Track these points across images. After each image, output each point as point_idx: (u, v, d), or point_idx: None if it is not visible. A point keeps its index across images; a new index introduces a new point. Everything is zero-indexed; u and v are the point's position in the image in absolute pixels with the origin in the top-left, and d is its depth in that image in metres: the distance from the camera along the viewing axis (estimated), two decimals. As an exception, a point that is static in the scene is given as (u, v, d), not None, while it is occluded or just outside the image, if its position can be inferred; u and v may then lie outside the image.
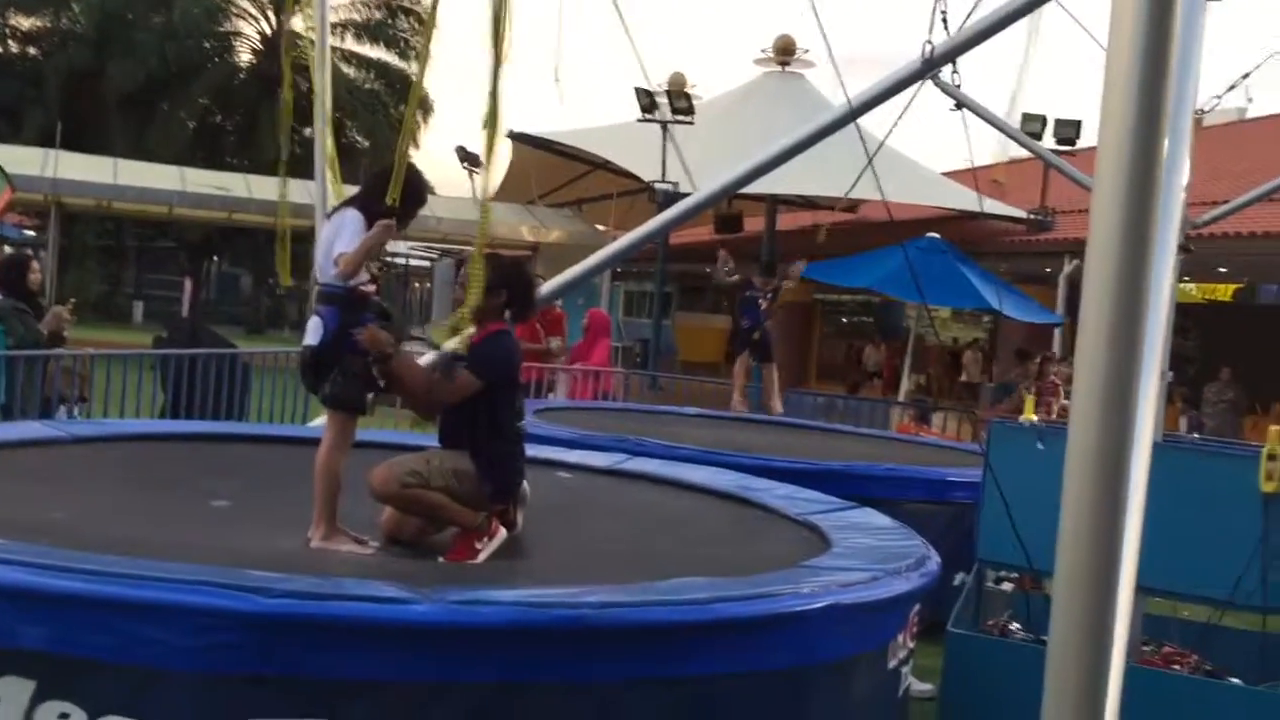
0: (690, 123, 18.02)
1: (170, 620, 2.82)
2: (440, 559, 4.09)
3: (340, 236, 4.05)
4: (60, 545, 3.24)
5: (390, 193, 4.01)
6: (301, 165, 12.02)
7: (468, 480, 4.12)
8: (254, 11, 35.95)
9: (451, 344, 3.97)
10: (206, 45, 35.21)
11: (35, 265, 8.10)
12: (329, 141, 8.38)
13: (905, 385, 14.39)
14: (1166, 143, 2.23)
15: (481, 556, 4.05)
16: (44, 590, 2.84)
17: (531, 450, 5.45)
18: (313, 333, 4.13)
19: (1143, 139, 2.21)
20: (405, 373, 4.23)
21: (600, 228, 25.09)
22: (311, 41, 8.73)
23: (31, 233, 27.55)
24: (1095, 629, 2.19)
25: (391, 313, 4.31)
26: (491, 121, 3.86)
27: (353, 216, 4.08)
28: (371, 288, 4.15)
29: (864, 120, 7.06)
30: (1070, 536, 2.23)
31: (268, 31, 35.83)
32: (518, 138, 22.15)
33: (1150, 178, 2.22)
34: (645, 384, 15.66)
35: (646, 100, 18.17)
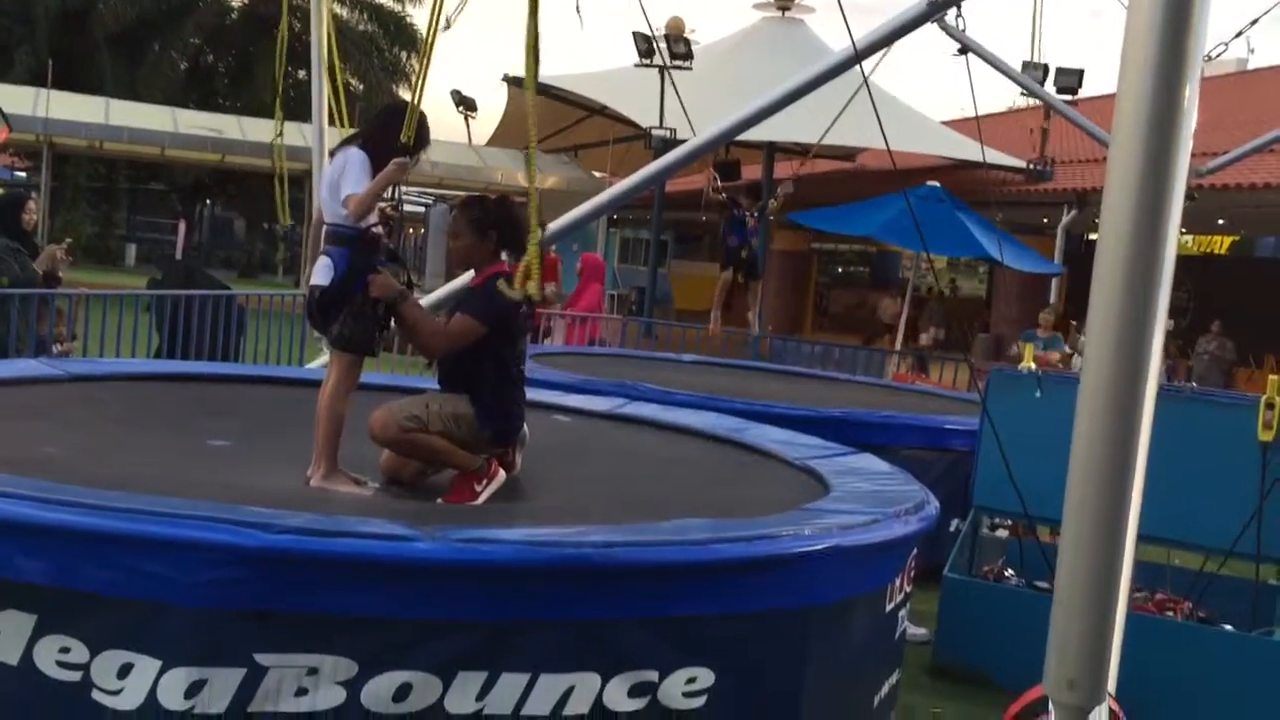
0: (688, 68, 17.83)
1: (172, 555, 2.82)
2: (439, 500, 4.09)
3: (346, 176, 4.01)
4: (59, 481, 3.24)
5: (404, 132, 3.97)
6: (296, 108, 11.91)
7: (466, 424, 4.10)
8: (247, -50, 35.47)
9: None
10: (198, -17, 34.74)
11: (31, 205, 8.04)
12: (327, 85, 8.32)
13: (925, 338, 14.38)
14: (1188, 90, 2.21)
15: (481, 498, 4.05)
16: (44, 524, 2.83)
17: (530, 394, 5.45)
18: (321, 273, 4.09)
19: (1165, 87, 2.18)
20: (414, 318, 4.20)
21: (597, 174, 24.95)
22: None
23: (23, 174, 27.37)
24: (1103, 573, 2.20)
25: (400, 255, 4.26)
26: (532, 70, 3.80)
27: (357, 156, 4.04)
28: (380, 229, 4.11)
29: (866, 66, 6.98)
30: (1080, 481, 2.23)
31: (261, -30, 35.35)
32: (514, 81, 21.95)
33: (1171, 125, 2.20)
34: (640, 331, 15.65)
35: (644, 45, 17.97)
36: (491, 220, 4.16)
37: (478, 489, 4.09)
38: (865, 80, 5.38)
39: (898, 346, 14.52)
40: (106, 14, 32.06)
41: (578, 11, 6.45)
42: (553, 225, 7.79)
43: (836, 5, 4.33)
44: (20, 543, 2.82)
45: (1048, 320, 12.81)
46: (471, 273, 4.43)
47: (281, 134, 6.71)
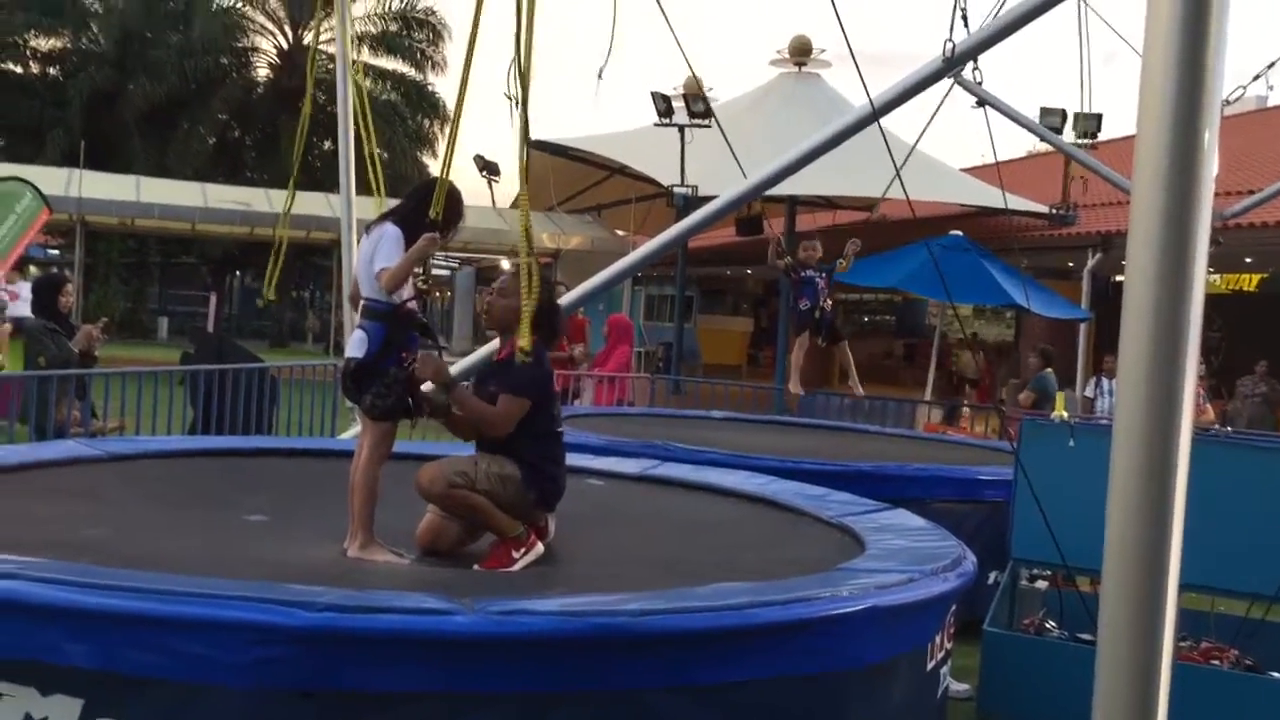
0: (708, 126, 17.99)
1: (214, 636, 2.84)
2: (476, 566, 4.11)
3: (380, 251, 4.10)
4: (102, 563, 3.28)
5: (433, 208, 4.06)
6: (325, 178, 12.06)
7: (512, 486, 4.15)
8: (271, 27, 36.20)
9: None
10: (224, 61, 35.42)
11: (69, 287, 8.21)
12: (363, 151, 8.46)
13: (1024, 397, 14.25)
14: (1207, 134, 2.22)
15: (517, 566, 4.07)
16: (89, 609, 2.87)
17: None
18: (356, 345, 4.18)
19: (1182, 131, 2.20)
20: (471, 410, 4.25)
21: (620, 232, 25.12)
22: (332, 56, 8.81)
23: (56, 251, 27.82)
24: (1145, 625, 2.18)
25: (432, 329, 4.35)
26: (524, 138, 3.88)
27: (392, 232, 4.13)
28: (414, 303, 4.18)
29: (885, 119, 7.05)
30: (1117, 532, 2.22)
31: (285, 46, 36.06)
32: (535, 145, 22.19)
33: (1191, 170, 2.21)
34: (669, 388, 15.67)
35: (663, 105, 18.18)
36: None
37: (515, 556, 4.11)
38: (885, 137, 5.43)
39: (927, 395, 14.43)
40: (136, 94, 32.75)
41: (599, 77, 6.52)
42: (581, 288, 7.84)
43: (853, 59, 4.39)
44: (67, 627, 2.86)
45: (1030, 365, 12.70)
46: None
47: (289, 210, 6.83)
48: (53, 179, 21.02)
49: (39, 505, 4.45)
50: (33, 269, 15.77)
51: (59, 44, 35.25)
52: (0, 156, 31.18)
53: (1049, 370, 12.48)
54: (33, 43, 35.11)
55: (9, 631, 2.90)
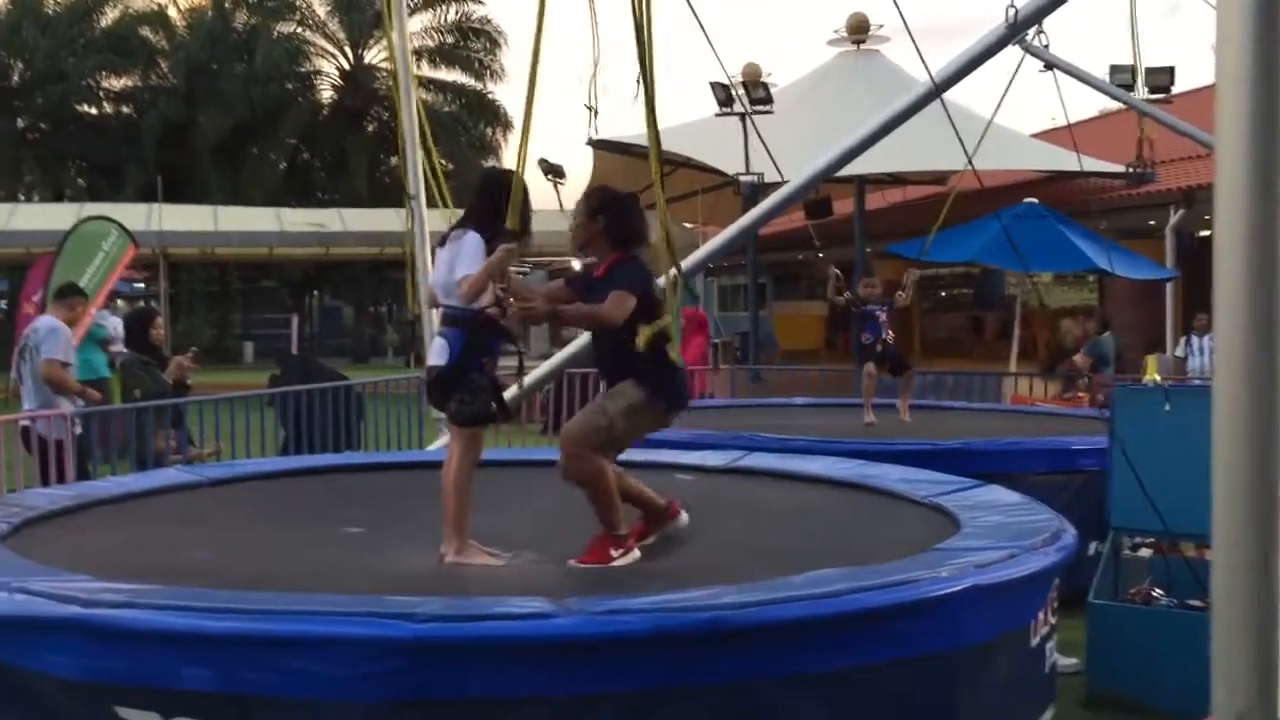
0: (770, 112, 17.91)
1: (325, 652, 2.91)
2: (572, 561, 4.15)
3: (461, 259, 4.14)
4: (212, 585, 3.38)
5: (509, 220, 4.11)
6: (394, 192, 12.25)
7: (641, 411, 4.24)
8: (331, 49, 36.80)
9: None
10: (289, 86, 36.12)
11: (159, 320, 8.44)
12: (424, 167, 8.58)
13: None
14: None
15: (617, 566, 4.11)
16: (205, 632, 2.96)
17: (648, 454, 5.51)
18: (438, 353, 4.23)
19: (1263, 80, 2.15)
20: (575, 314, 4.39)
21: (688, 225, 25.09)
22: (394, 74, 8.93)
23: (141, 284, 28.60)
24: (1259, 586, 2.14)
25: (513, 333, 4.39)
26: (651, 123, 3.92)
27: (472, 239, 4.17)
28: (496, 310, 4.21)
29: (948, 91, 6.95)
30: (1225, 496, 2.18)
31: (346, 67, 36.63)
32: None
33: (1274, 119, 2.16)
34: (748, 378, 15.63)
35: (723, 94, 18.13)
36: (597, 207, 4.35)
37: (613, 555, 4.14)
38: (948, 115, 5.35)
39: (1013, 366, 14.19)
40: (206, 126, 33.55)
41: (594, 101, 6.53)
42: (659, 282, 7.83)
43: (910, 37, 4.34)
44: (186, 652, 2.94)
45: (1087, 328, 12.41)
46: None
47: (411, 216, 6.88)
48: (134, 215, 21.61)
49: (148, 533, 4.59)
50: (120, 303, 16.23)
51: (129, 83, 36.23)
52: (82, 196, 32.19)
53: (1107, 334, 12.26)
54: (105, 83, 36.14)
55: (130, 658, 3.00)
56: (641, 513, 4.44)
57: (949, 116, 5.14)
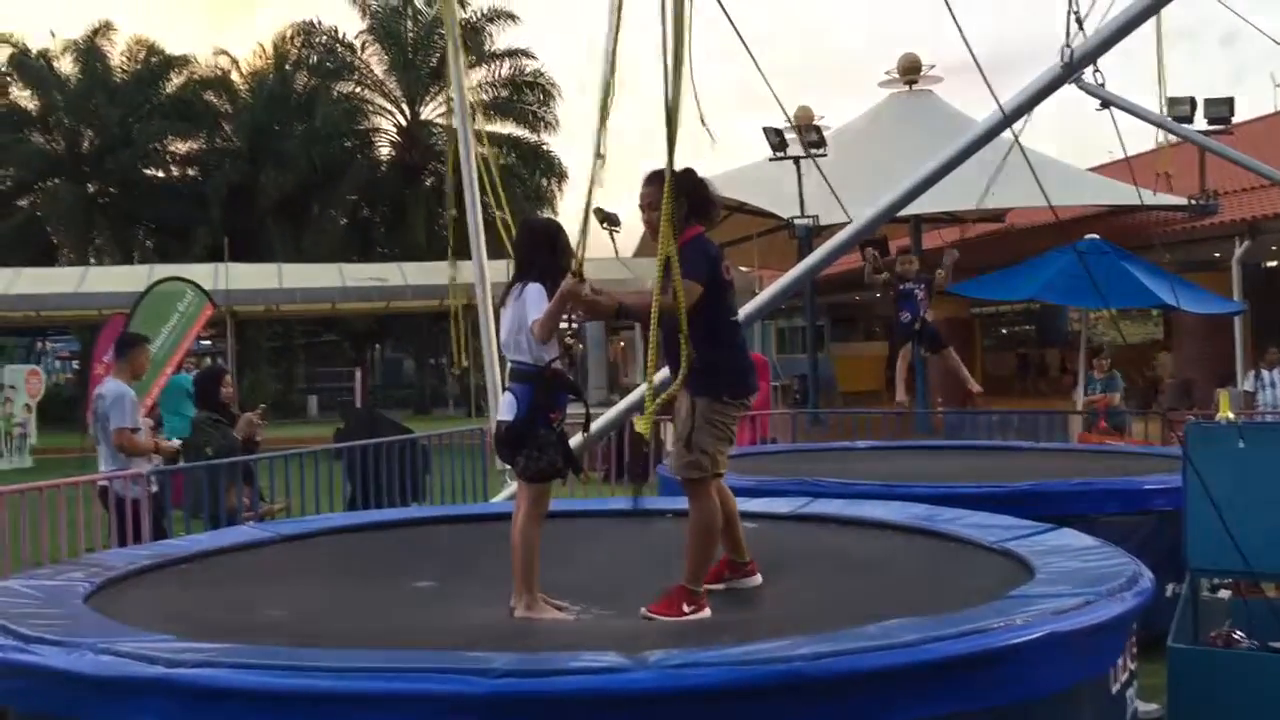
0: (823, 154, 17.96)
1: (403, 709, 2.93)
2: (643, 610, 4.17)
3: (529, 309, 4.22)
4: (287, 643, 3.43)
5: (567, 263, 4.21)
6: (457, 245, 12.44)
7: (716, 411, 4.31)
8: (389, 107, 37.55)
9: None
10: (348, 144, 36.90)
11: (228, 378, 8.62)
12: (484, 217, 8.70)
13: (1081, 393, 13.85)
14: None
15: (685, 622, 4.11)
16: (285, 690, 2.99)
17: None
18: (507, 409, 4.30)
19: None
20: (631, 307, 4.39)
21: (744, 269, 25.14)
22: (447, 128, 9.08)
23: (208, 341, 29.21)
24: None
25: (579, 388, 4.45)
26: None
27: (534, 289, 4.25)
28: (560, 363, 4.28)
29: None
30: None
31: (404, 123, 37.33)
32: (601, 218, 22.39)
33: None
34: (808, 422, 15.56)
35: (776, 138, 18.22)
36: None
37: (685, 610, 4.14)
38: (1017, 141, 5.34)
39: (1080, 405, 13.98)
40: (269, 185, 34.32)
41: (703, 124, 6.60)
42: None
43: (962, 72, 4.35)
44: (267, 711, 2.99)
45: (1101, 364, 12.42)
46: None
47: (455, 275, 7.00)
48: (201, 275, 22.12)
49: (225, 591, 4.67)
50: (195, 361, 16.59)
51: (195, 146, 37.23)
52: (151, 258, 33.02)
53: (1115, 372, 12.32)
54: (171, 147, 37.16)
55: (208, 716, 3.05)
56: (723, 558, 4.46)
57: (1021, 148, 5.11)
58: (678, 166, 4.09)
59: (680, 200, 4.29)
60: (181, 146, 37.40)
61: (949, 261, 8.42)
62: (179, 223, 34.55)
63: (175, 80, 37.09)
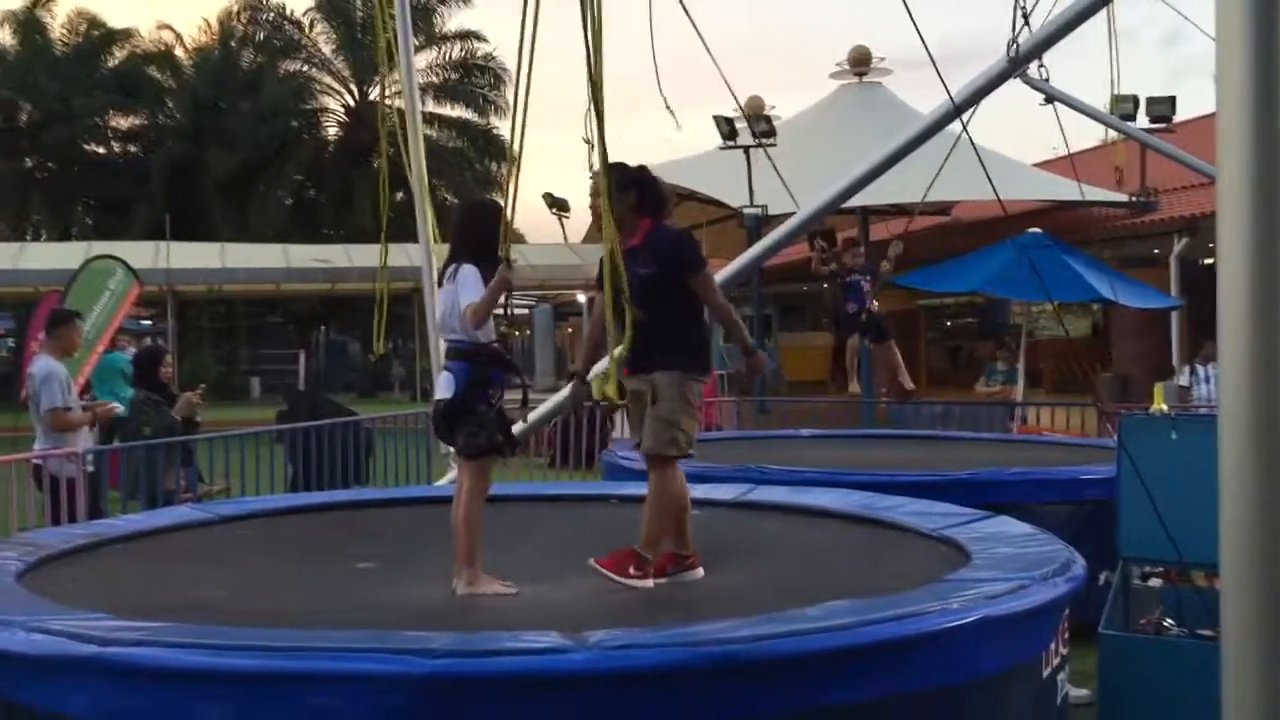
0: (773, 144, 18.03)
1: (339, 689, 2.92)
2: (591, 561, 4.27)
3: (463, 290, 4.22)
4: (225, 622, 3.40)
5: (501, 250, 4.18)
6: (395, 228, 12.35)
7: (692, 395, 4.39)
8: (337, 87, 37.10)
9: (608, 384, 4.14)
10: (295, 124, 36.39)
11: (168, 358, 8.50)
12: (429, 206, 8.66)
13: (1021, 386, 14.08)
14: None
15: (626, 583, 4.16)
16: (218, 669, 2.97)
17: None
18: (445, 387, 4.30)
19: (1263, 110, 2.18)
20: (744, 336, 4.78)
21: (693, 258, 25.19)
22: (397, 110, 9.03)
23: (149, 321, 28.72)
24: (1270, 615, 2.15)
25: (517, 366, 4.46)
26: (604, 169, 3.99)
27: (469, 271, 4.25)
28: (499, 344, 4.30)
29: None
30: (1233, 524, 2.20)
31: (352, 104, 36.91)
32: (552, 202, 22.39)
33: (1276, 151, 2.19)
34: (754, 410, 15.63)
35: (727, 127, 18.25)
36: (629, 180, 4.44)
37: (631, 573, 4.19)
38: (965, 132, 5.41)
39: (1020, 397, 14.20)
40: (213, 163, 33.78)
41: (669, 109, 6.61)
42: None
43: (911, 65, 4.41)
44: (202, 690, 2.96)
45: (1005, 355, 12.74)
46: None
47: (385, 264, 6.95)
48: (141, 253, 21.76)
49: (161, 571, 4.62)
50: (127, 340, 16.31)
51: (137, 122, 36.53)
52: (90, 234, 32.39)
53: (1015, 365, 12.60)
54: (112, 123, 36.44)
55: (145, 696, 3.02)
56: (667, 553, 4.48)
57: (969, 138, 5.17)
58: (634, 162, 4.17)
59: (630, 191, 4.33)
60: (123, 122, 36.67)
61: (894, 253, 8.52)
62: (119, 199, 33.92)
63: (117, 54, 36.35)
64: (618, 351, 4.05)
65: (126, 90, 35.43)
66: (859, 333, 8.29)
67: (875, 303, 8.31)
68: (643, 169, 4.60)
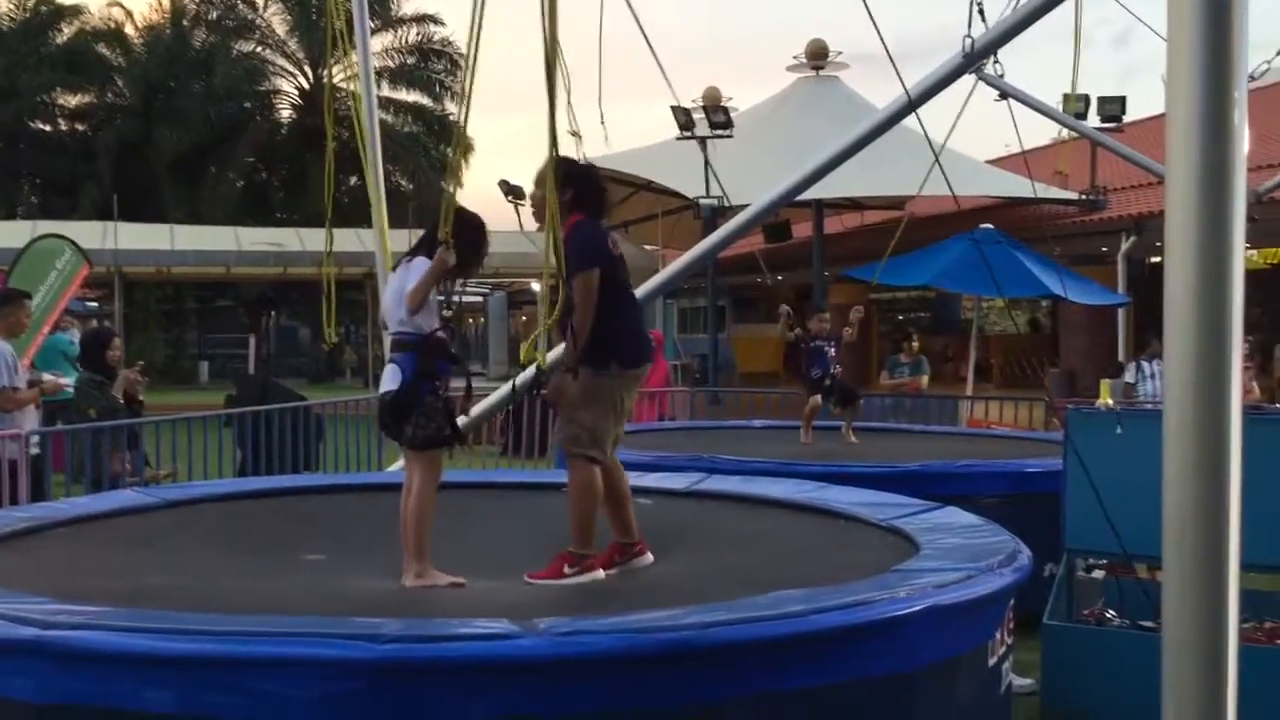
0: (729, 136, 18.07)
1: (287, 674, 2.90)
2: (526, 577, 4.21)
3: (411, 278, 4.20)
4: (171, 608, 3.36)
5: (440, 229, 4.17)
6: (353, 213, 12.26)
7: (591, 387, 4.29)
8: (291, 68, 36.66)
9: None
10: (248, 105, 35.93)
11: (116, 342, 8.36)
12: (382, 191, 8.60)
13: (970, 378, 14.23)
14: (1236, 113, 2.23)
15: (567, 583, 4.15)
16: (164, 654, 2.94)
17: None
18: (389, 379, 4.26)
19: (1212, 112, 2.21)
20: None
21: (649, 247, 25.19)
22: (352, 93, 8.94)
23: (95, 304, 28.23)
24: (1209, 607, 2.19)
25: (462, 358, 4.44)
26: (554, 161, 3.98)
27: (420, 261, 4.23)
28: (443, 334, 4.27)
29: (906, 117, 7.07)
30: (1175, 517, 2.23)
31: (306, 86, 36.50)
32: (507, 190, 22.28)
33: (1223, 150, 2.22)
34: (707, 400, 15.68)
35: (684, 118, 18.25)
36: (566, 177, 4.32)
37: (567, 572, 4.18)
38: (923, 126, 5.44)
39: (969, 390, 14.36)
40: (163, 144, 33.26)
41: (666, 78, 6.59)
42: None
43: (868, 60, 4.43)
44: (148, 674, 2.92)
45: (910, 348, 12.94)
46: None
47: (331, 251, 6.88)
48: (89, 233, 21.34)
49: (104, 555, 4.55)
50: (74, 322, 16.00)
51: (85, 99, 35.87)
52: (35, 213, 31.77)
53: (922, 356, 12.79)
54: (60, 100, 35.74)
55: (89, 680, 2.98)
56: (612, 540, 4.47)
57: (925, 132, 5.21)
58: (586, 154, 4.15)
59: (565, 189, 4.31)
60: (71, 100, 35.99)
61: (855, 318, 8.71)
62: (66, 178, 33.30)
63: (66, 31, 35.65)
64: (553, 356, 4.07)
65: (75, 68, 34.77)
66: (822, 396, 8.46)
67: (839, 367, 8.50)
68: (589, 167, 4.57)
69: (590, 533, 4.30)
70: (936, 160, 4.73)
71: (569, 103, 4.77)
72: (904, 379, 12.85)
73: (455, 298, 4.45)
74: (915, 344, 12.84)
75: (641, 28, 6.08)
